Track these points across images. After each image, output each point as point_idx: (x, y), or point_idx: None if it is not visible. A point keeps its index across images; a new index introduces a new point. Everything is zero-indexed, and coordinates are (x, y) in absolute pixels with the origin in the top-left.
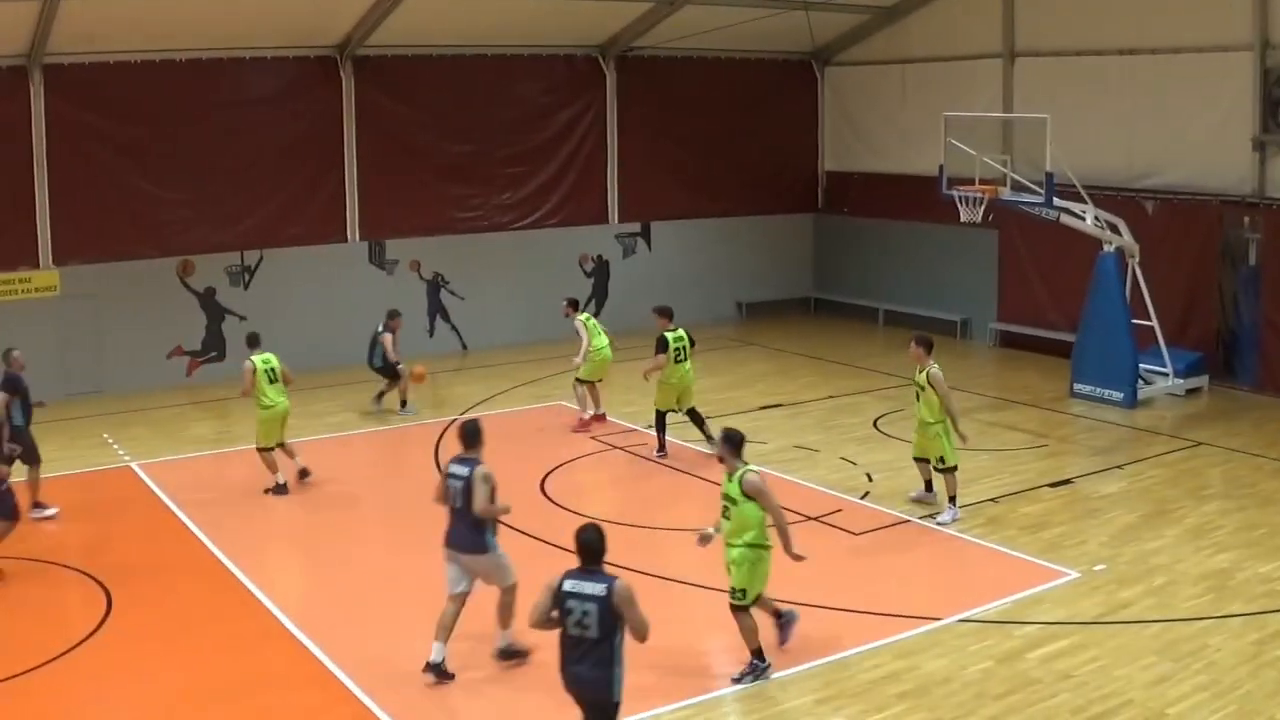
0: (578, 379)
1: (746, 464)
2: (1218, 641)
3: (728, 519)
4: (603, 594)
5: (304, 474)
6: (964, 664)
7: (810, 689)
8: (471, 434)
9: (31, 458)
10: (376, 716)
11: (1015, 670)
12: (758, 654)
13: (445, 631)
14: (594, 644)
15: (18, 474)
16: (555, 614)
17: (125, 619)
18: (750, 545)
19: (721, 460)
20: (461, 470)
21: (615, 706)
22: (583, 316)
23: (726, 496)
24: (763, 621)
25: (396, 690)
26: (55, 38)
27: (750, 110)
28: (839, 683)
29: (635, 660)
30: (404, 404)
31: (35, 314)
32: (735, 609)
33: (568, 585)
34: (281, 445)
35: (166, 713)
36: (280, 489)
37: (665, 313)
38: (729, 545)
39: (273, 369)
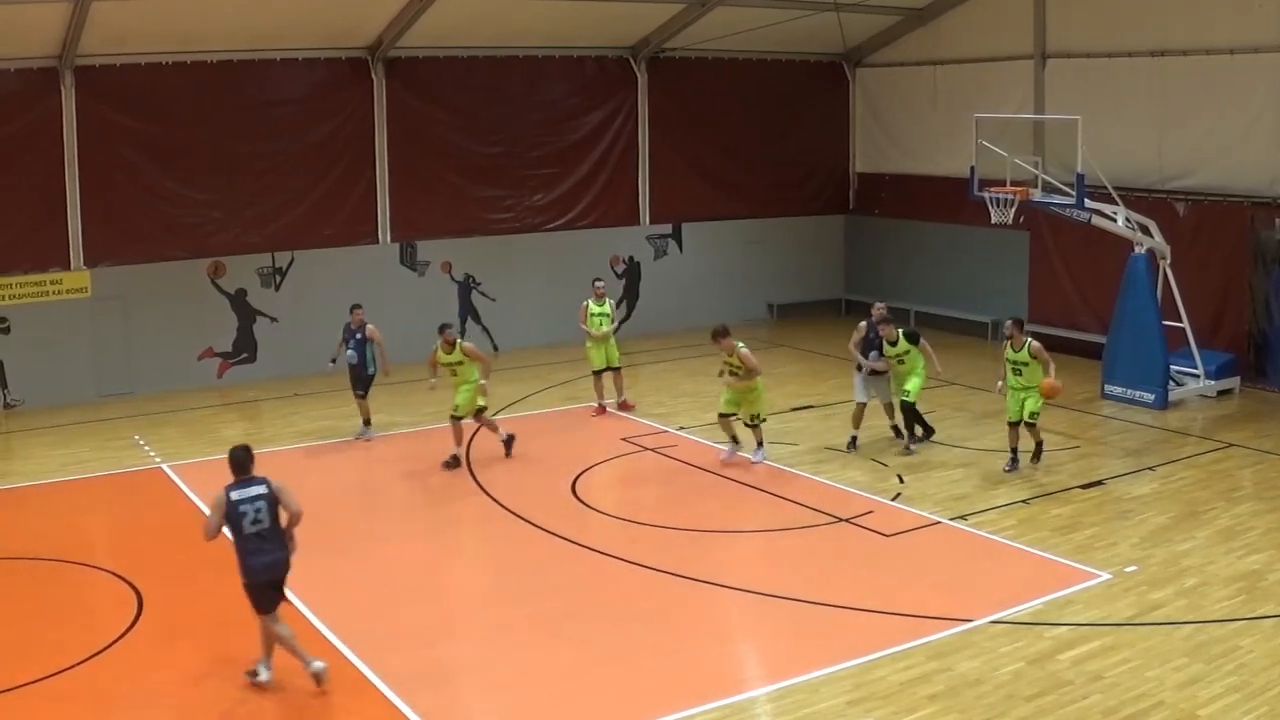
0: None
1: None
2: (1249, 643)
3: None
4: (266, 491)
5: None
6: (995, 665)
7: (841, 690)
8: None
9: None
10: (406, 717)
11: (1047, 672)
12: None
13: None
14: (268, 532)
15: None
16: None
17: (156, 620)
18: None
19: None
20: None
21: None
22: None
23: None
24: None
25: (426, 690)
26: (87, 39)
27: (781, 111)
28: (870, 684)
29: (667, 661)
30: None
31: (67, 315)
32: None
33: (237, 494)
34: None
35: (197, 714)
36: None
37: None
38: None
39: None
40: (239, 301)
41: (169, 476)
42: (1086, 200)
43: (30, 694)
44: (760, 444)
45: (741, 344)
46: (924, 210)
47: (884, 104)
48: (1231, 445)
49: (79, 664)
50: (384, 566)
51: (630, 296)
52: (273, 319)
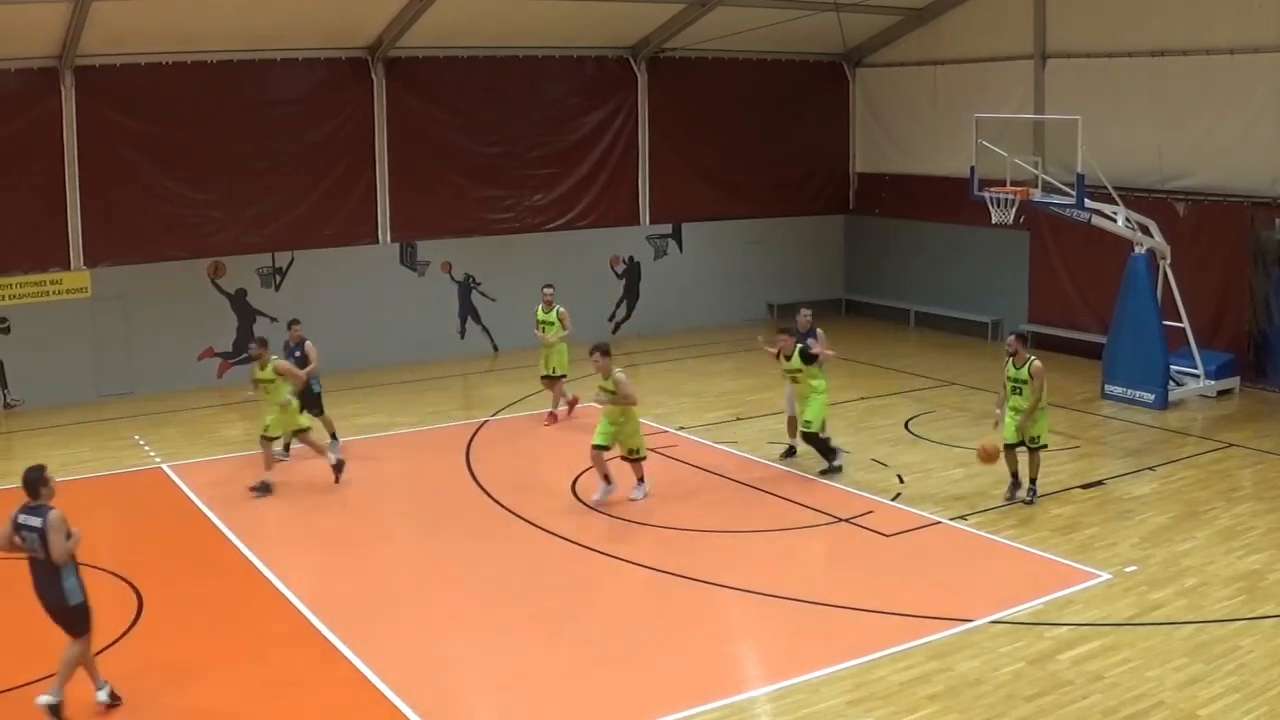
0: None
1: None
2: (1249, 643)
3: None
4: (40, 525)
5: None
6: (995, 665)
7: (842, 690)
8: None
9: None
10: (406, 717)
11: (1047, 672)
12: None
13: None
14: (44, 563)
15: None
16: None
17: (156, 620)
18: None
19: None
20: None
21: (75, 608)
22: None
23: None
24: None
25: (427, 690)
26: (87, 39)
27: (781, 111)
28: (870, 684)
29: (667, 661)
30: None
31: (67, 315)
32: None
33: (20, 519)
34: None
35: (197, 714)
36: None
37: None
38: None
39: None
40: (239, 301)
41: (169, 476)
42: (1086, 200)
43: (30, 694)
44: (641, 480)
45: (620, 370)
46: (924, 210)
47: (884, 104)
48: (1231, 445)
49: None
50: (384, 566)
51: (630, 296)
52: (272, 319)
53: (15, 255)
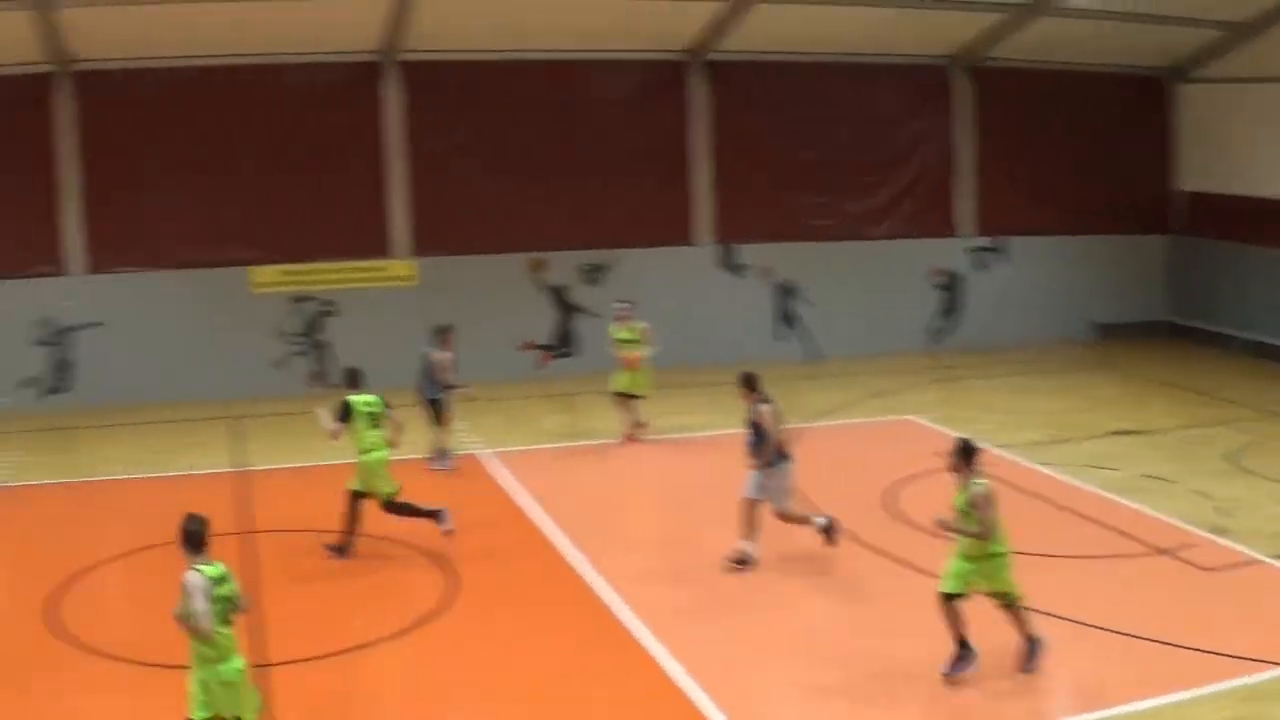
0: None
1: None
2: None
3: None
4: None
5: None
6: None
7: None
8: None
9: None
10: (706, 718)
11: None
12: None
13: None
14: None
15: None
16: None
17: (470, 602)
18: None
19: None
20: None
21: None
22: None
23: None
24: None
25: (731, 689)
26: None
27: (1100, 126)
28: None
29: (970, 684)
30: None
31: (393, 302)
32: None
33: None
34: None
35: (498, 696)
36: None
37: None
38: None
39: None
40: (558, 297)
41: (490, 463)
42: None
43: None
44: None
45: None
46: (1257, 233)
47: (1211, 121)
48: None
49: (391, 638)
50: (695, 559)
51: (950, 309)
52: (595, 315)
53: (340, 242)
